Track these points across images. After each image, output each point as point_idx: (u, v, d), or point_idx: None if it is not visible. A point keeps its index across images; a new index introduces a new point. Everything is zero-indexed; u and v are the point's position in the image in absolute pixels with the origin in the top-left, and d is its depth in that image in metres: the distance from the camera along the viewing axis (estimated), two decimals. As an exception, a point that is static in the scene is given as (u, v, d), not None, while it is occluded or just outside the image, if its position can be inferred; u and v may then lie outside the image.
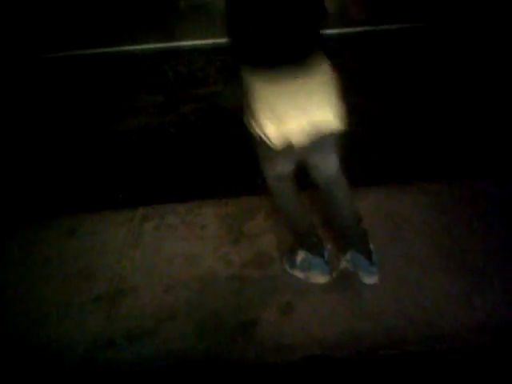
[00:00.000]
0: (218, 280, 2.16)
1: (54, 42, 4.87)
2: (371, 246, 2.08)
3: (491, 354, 1.84)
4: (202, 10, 5.27)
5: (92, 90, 4.07)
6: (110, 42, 4.81)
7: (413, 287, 2.06)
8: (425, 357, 1.84)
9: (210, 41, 4.58)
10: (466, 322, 1.93)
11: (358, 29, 4.34)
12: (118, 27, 5.16)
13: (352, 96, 3.44)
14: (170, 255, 2.32)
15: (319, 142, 1.75)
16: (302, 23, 1.58)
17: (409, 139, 3.06)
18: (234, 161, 2.99)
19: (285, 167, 1.91)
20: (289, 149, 1.73)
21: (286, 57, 1.60)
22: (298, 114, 1.66)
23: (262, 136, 1.71)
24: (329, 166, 1.93)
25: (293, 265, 2.13)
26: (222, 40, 1.79)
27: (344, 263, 2.11)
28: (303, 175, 1.97)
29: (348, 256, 2.09)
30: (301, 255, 2.11)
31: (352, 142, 2.99)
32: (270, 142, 1.70)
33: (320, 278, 2.09)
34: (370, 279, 2.07)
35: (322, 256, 2.09)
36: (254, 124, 1.72)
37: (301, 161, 1.90)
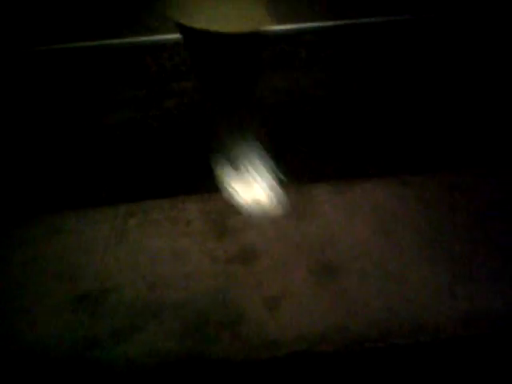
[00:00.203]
0: (204, 276, 2.15)
1: (34, 36, 4.77)
2: None
3: (475, 345, 1.87)
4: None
5: (72, 85, 4.00)
6: (90, 36, 4.73)
7: (397, 280, 2.07)
8: (410, 349, 1.86)
9: (193, 34, 4.52)
10: (449, 313, 1.95)
11: (340, 22, 4.32)
12: (99, 20, 5.07)
13: (336, 90, 3.48)
14: (155, 252, 2.29)
15: None
16: None
17: (393, 132, 3.06)
18: (217, 155, 2.97)
19: None
20: None
21: None
22: None
23: None
24: None
25: None
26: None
27: None
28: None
29: None
30: None
31: (336, 136, 3.02)
32: None
33: None
34: None
35: None
36: None
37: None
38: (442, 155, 2.82)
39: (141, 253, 2.30)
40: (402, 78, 3.62)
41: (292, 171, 2.76)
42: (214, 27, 1.63)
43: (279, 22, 3.93)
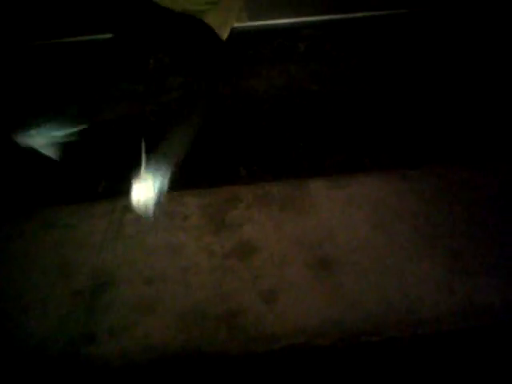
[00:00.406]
0: (200, 271, 2.14)
1: (32, 30, 4.74)
2: None
3: (472, 338, 1.87)
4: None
5: (70, 79, 3.98)
6: (87, 30, 4.70)
7: (395, 275, 2.07)
8: (407, 342, 1.86)
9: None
10: (446, 306, 1.95)
11: (340, 16, 4.30)
12: (95, 15, 5.04)
13: (335, 84, 3.47)
14: (152, 247, 2.28)
15: None
16: None
17: (390, 127, 3.05)
18: (215, 150, 2.96)
19: None
20: None
21: None
22: None
23: None
24: None
25: None
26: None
27: None
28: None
29: None
30: None
31: (334, 131, 3.01)
32: None
33: None
34: None
35: None
36: None
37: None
38: (442, 150, 2.81)
39: (138, 247, 2.28)
40: (400, 72, 3.61)
41: (290, 165, 2.76)
42: (165, 2, 1.67)
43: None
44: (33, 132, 1.76)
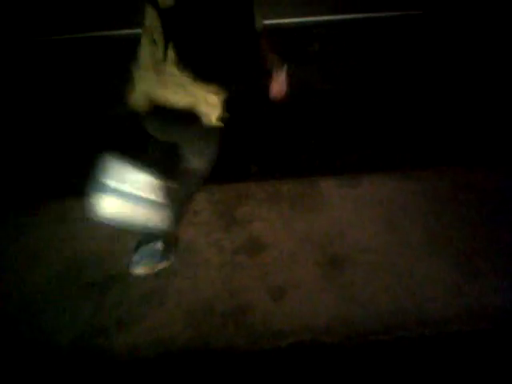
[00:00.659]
0: (210, 266, 2.15)
1: (45, 26, 4.79)
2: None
3: (480, 340, 1.86)
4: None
5: (84, 75, 4.02)
6: (103, 26, 4.74)
7: (404, 274, 2.06)
8: (414, 342, 1.85)
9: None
10: (455, 307, 1.94)
11: (350, 16, 4.29)
12: (112, 10, 5.09)
13: (344, 84, 3.46)
14: (162, 241, 2.29)
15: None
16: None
17: (401, 127, 3.04)
18: (226, 147, 2.96)
19: None
20: None
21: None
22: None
23: None
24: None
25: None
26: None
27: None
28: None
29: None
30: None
31: (346, 130, 3.00)
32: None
33: None
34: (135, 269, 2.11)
35: None
36: None
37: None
38: (454, 151, 2.79)
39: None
40: (415, 73, 3.59)
41: (301, 163, 2.76)
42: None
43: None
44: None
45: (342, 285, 2.03)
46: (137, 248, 2.12)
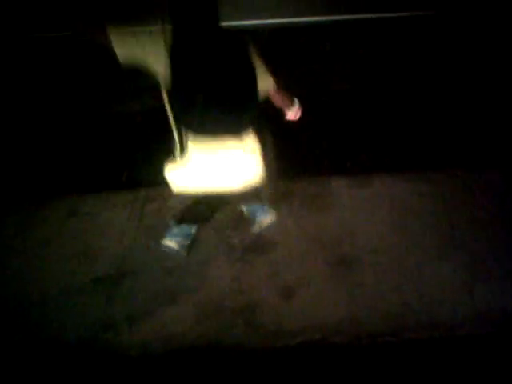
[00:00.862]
0: (220, 264, 2.16)
1: (51, 21, 4.78)
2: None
3: (490, 343, 1.85)
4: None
5: (94, 71, 4.02)
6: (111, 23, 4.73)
7: (414, 275, 2.06)
8: (423, 344, 1.85)
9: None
10: (465, 310, 1.93)
11: (357, 16, 4.26)
12: (121, 8, 5.08)
13: (356, 84, 3.44)
14: (172, 238, 2.30)
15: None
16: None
17: (411, 129, 3.02)
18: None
19: None
20: None
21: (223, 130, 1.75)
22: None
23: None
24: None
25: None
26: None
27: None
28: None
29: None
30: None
31: (357, 130, 2.99)
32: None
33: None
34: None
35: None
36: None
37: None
38: (466, 153, 2.77)
39: (158, 238, 2.30)
40: (429, 75, 3.56)
41: (312, 163, 2.75)
42: None
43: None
44: None
45: (351, 285, 2.03)
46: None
